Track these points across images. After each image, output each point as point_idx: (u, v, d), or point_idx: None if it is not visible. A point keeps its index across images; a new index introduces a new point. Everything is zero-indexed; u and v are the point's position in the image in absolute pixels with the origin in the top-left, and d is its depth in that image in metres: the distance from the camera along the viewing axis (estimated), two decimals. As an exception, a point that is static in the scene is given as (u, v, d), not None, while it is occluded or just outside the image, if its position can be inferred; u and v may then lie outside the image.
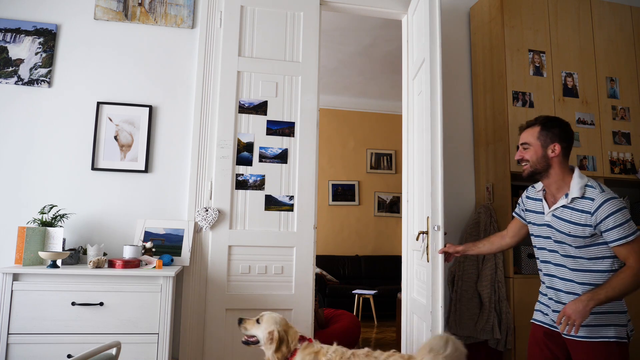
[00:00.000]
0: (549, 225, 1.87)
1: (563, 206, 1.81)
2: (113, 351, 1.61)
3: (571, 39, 3.16)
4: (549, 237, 1.89)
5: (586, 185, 1.78)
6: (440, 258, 2.25)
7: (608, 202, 1.72)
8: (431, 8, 2.45)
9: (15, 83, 2.70)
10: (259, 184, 2.83)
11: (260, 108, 2.89)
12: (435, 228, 2.27)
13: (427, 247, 2.30)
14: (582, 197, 1.77)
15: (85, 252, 2.58)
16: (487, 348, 2.81)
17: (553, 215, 1.85)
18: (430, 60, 2.41)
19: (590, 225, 1.73)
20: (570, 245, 1.81)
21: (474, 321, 2.83)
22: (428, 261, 2.29)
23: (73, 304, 2.20)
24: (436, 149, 2.34)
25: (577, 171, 1.84)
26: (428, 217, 2.31)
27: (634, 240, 1.70)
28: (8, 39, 2.73)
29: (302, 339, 1.95)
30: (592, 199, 1.74)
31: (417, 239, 2.42)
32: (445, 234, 2.31)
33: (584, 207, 1.75)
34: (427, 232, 2.32)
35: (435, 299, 2.23)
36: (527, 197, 2.02)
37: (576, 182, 1.80)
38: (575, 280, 1.81)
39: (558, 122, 1.89)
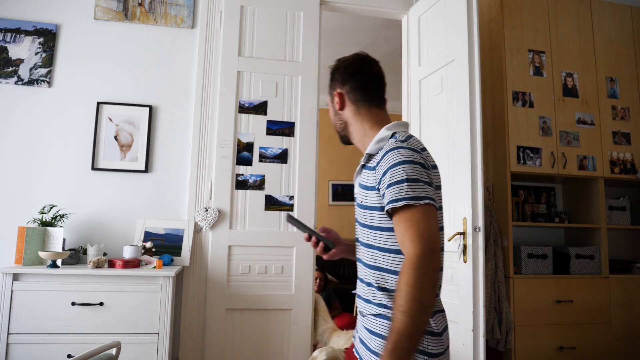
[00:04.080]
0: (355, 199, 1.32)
1: (361, 167, 1.29)
2: (113, 351, 1.61)
3: (571, 39, 3.16)
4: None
5: (392, 137, 1.23)
6: (481, 259, 2.29)
7: (392, 152, 1.14)
8: (468, 7, 2.49)
9: (15, 83, 2.70)
10: (259, 184, 2.83)
11: (260, 108, 2.89)
12: (477, 229, 2.30)
13: (465, 248, 2.32)
14: (379, 153, 1.20)
15: (85, 252, 2.58)
16: (487, 348, 2.81)
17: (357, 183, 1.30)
18: (469, 60, 2.44)
19: (374, 188, 1.18)
20: (359, 225, 1.27)
21: (474, 321, 2.83)
22: (465, 262, 2.31)
23: (73, 304, 2.20)
24: (476, 153, 2.38)
25: (393, 124, 1.26)
26: (465, 218, 2.34)
27: (412, 208, 1.07)
28: (8, 39, 2.73)
29: None
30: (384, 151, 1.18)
31: (449, 240, 2.42)
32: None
33: (373, 163, 1.21)
34: (464, 233, 2.33)
35: (477, 300, 2.27)
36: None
37: (378, 136, 1.25)
38: (362, 292, 1.25)
39: (338, 63, 1.38)
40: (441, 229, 1.21)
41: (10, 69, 2.71)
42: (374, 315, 1.19)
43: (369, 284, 1.21)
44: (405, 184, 1.08)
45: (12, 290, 2.16)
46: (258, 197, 2.81)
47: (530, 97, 3.00)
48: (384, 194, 1.13)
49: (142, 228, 2.66)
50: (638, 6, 3.37)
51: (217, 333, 2.65)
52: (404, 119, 3.09)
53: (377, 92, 1.32)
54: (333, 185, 6.98)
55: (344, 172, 7.03)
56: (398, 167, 1.11)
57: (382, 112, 1.32)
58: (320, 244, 1.36)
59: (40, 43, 2.75)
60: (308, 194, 2.86)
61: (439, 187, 1.21)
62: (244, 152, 2.83)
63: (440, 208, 1.22)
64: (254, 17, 2.94)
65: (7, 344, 2.13)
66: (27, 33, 2.75)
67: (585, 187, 3.17)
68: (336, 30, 4.60)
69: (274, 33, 2.95)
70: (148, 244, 2.54)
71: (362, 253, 1.26)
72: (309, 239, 1.36)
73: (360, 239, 1.26)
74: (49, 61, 2.76)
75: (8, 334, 2.14)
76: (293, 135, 2.90)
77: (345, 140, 1.40)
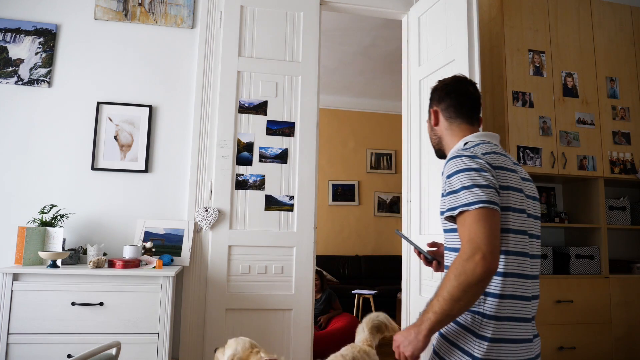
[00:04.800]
0: None
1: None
2: (113, 351, 1.61)
3: (571, 39, 3.16)
4: None
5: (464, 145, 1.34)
6: None
7: (449, 162, 1.25)
8: (468, 7, 2.48)
9: (15, 83, 2.70)
10: (259, 184, 2.83)
11: (260, 108, 2.89)
12: None
13: None
14: None
15: (85, 252, 2.58)
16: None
17: None
18: (469, 60, 2.43)
19: (442, 194, 1.28)
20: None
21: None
22: None
23: (73, 304, 2.20)
24: None
25: (472, 135, 1.37)
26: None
27: (465, 214, 1.14)
28: (8, 39, 2.73)
29: None
30: None
31: None
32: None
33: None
34: None
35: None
36: None
37: (455, 147, 1.38)
38: None
39: (438, 83, 1.49)
40: (523, 232, 1.23)
41: (10, 69, 2.71)
42: None
43: None
44: (460, 192, 1.17)
45: (12, 290, 2.16)
46: (258, 197, 2.81)
47: (530, 97, 3.00)
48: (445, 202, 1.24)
49: (142, 228, 2.66)
50: (638, 6, 3.37)
51: (217, 333, 2.65)
52: (404, 119, 3.09)
53: (470, 111, 1.42)
54: (333, 185, 6.98)
55: (344, 172, 7.04)
56: (453, 177, 1.21)
57: (473, 129, 1.41)
58: (422, 255, 1.52)
59: (40, 43, 2.75)
60: (308, 194, 2.86)
61: (508, 188, 1.22)
62: (244, 152, 2.83)
63: (522, 211, 1.23)
64: (254, 17, 2.94)
65: (7, 344, 2.13)
66: (27, 33, 2.75)
67: (585, 187, 3.17)
68: (336, 30, 4.60)
69: (274, 33, 2.95)
70: (148, 244, 2.55)
71: (445, 257, 1.36)
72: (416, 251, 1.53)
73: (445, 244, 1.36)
74: (49, 61, 2.76)
75: (8, 334, 2.14)
76: (293, 135, 2.90)
77: (440, 154, 1.51)
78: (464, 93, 1.42)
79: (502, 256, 1.18)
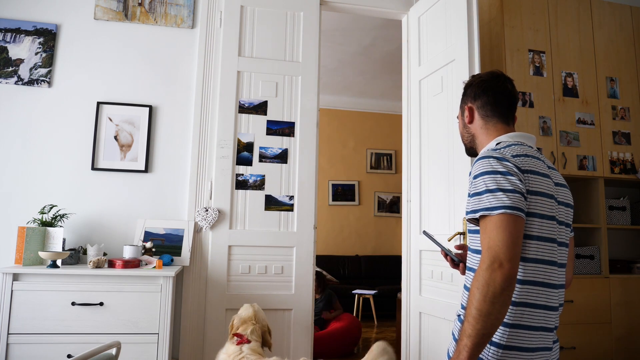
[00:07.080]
0: None
1: None
2: (113, 351, 1.61)
3: (571, 39, 3.16)
4: None
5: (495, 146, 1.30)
6: None
7: (477, 162, 1.21)
8: (468, 7, 2.48)
9: (15, 83, 2.70)
10: (259, 184, 2.83)
11: (260, 108, 2.89)
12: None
13: None
14: None
15: (85, 252, 2.58)
16: (487, 348, 2.81)
17: None
18: (469, 60, 2.43)
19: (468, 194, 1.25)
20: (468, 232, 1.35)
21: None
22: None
23: (73, 304, 2.20)
24: None
25: (505, 135, 1.33)
26: (464, 219, 2.33)
27: (486, 218, 1.12)
28: (8, 39, 2.73)
29: (237, 335, 2.02)
30: None
31: (449, 240, 2.42)
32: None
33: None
34: (464, 233, 2.34)
35: None
36: None
37: (487, 147, 1.34)
38: (462, 298, 1.29)
39: (472, 78, 1.44)
40: (551, 240, 1.19)
41: (10, 69, 2.71)
42: (457, 315, 1.27)
43: (464, 287, 1.27)
44: (484, 195, 1.14)
45: (12, 290, 2.16)
46: (258, 197, 2.81)
47: (530, 97, 3.00)
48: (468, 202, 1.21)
49: (142, 228, 2.66)
50: (638, 6, 3.37)
51: (217, 333, 2.65)
52: (404, 119, 3.09)
53: (506, 109, 1.37)
54: (333, 185, 6.98)
55: (344, 172, 7.04)
56: (478, 179, 1.17)
57: (508, 128, 1.36)
58: (448, 257, 1.47)
59: (40, 43, 2.75)
60: (308, 194, 2.86)
61: (536, 193, 1.17)
62: (244, 152, 2.83)
63: (550, 218, 1.19)
64: (254, 17, 2.94)
65: (7, 344, 2.13)
66: (27, 33, 2.75)
67: (585, 187, 3.17)
68: (336, 30, 4.60)
69: (274, 33, 2.95)
70: (148, 244, 2.55)
71: (468, 258, 1.32)
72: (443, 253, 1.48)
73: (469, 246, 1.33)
74: (49, 61, 2.76)
75: (8, 334, 2.14)
76: (293, 135, 2.90)
77: (472, 152, 1.46)
78: (502, 91, 1.36)
79: (520, 263, 1.14)
